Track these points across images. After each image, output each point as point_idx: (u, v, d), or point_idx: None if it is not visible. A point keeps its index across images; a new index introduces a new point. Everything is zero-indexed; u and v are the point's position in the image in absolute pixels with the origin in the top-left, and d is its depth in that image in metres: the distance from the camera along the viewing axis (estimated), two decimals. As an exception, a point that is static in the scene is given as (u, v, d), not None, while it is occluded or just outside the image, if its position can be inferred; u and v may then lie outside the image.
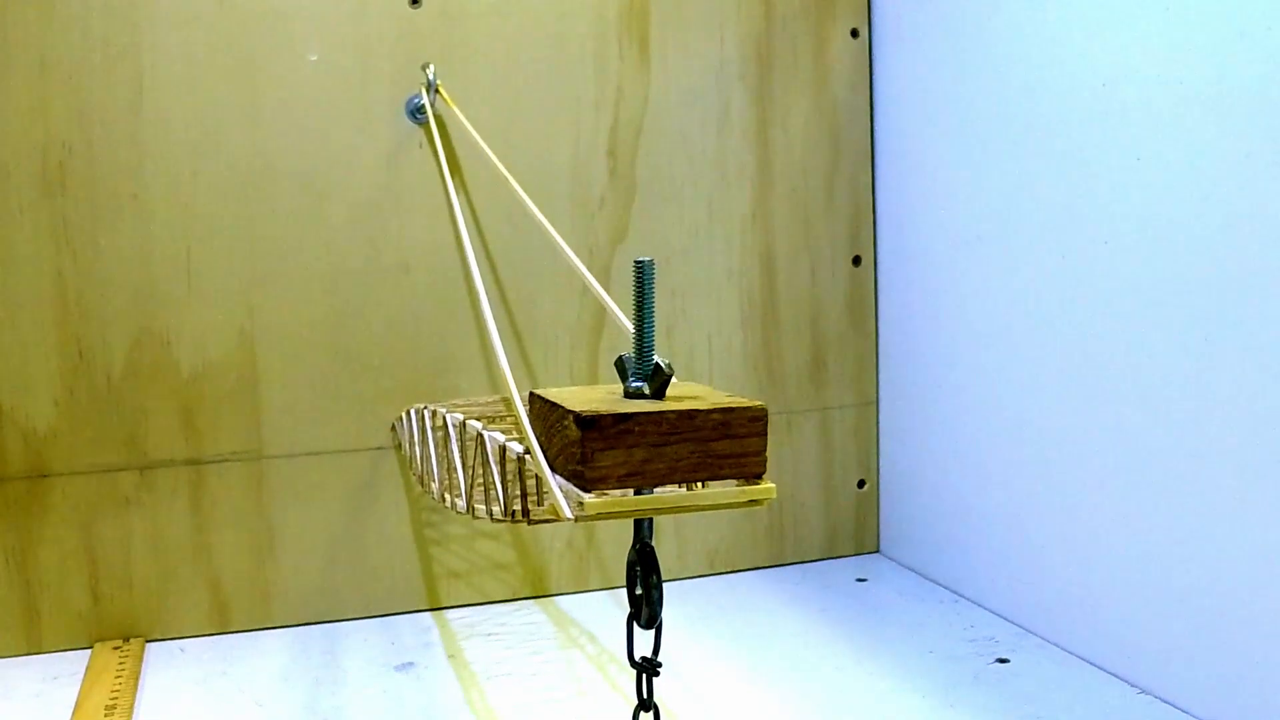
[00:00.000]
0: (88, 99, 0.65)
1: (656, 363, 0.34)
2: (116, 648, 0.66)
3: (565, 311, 0.74)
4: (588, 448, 0.31)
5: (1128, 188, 0.57)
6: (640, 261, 0.34)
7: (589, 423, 0.31)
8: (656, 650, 0.37)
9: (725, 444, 0.32)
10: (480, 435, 0.44)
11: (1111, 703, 0.57)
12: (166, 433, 0.67)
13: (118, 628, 0.67)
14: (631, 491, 0.32)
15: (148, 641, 0.68)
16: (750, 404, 0.33)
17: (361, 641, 0.68)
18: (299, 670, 0.64)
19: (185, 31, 0.66)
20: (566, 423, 0.32)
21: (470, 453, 0.47)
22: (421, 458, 0.59)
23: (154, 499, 0.67)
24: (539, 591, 0.75)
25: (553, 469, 0.34)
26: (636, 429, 0.31)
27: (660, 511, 0.33)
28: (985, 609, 0.70)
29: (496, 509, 0.42)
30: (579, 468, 0.32)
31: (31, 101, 0.64)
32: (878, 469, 0.82)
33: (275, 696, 0.60)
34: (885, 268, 0.79)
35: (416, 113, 0.70)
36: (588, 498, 0.32)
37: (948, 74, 0.71)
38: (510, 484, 0.40)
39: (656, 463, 0.32)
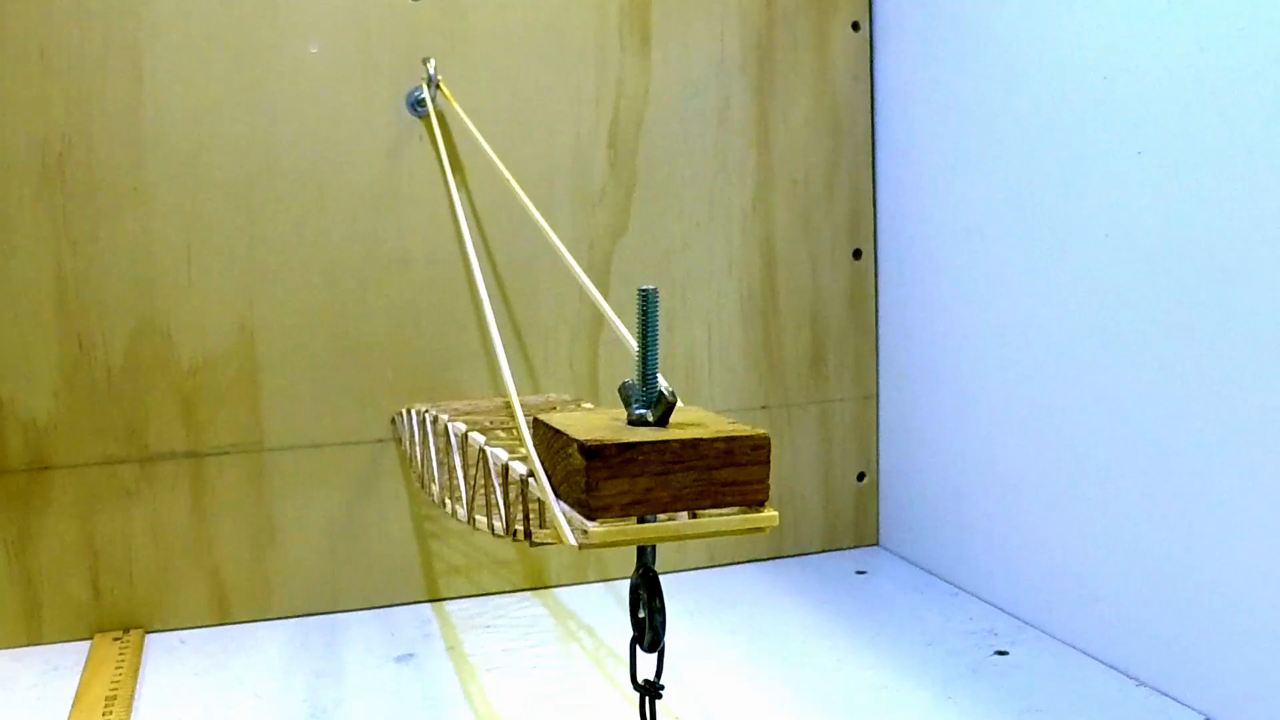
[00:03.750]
0: (87, 91, 0.64)
1: (660, 390, 0.34)
2: (116, 639, 0.66)
3: (565, 306, 0.74)
4: (592, 476, 0.31)
5: (1128, 181, 0.57)
6: (644, 290, 0.34)
7: (594, 452, 0.31)
8: (659, 674, 0.37)
9: (728, 472, 0.32)
10: (483, 451, 0.44)
11: (1110, 695, 0.57)
12: (167, 425, 0.67)
13: (118, 619, 0.67)
14: (634, 519, 0.32)
15: (148, 633, 0.68)
16: (753, 432, 0.33)
17: (361, 633, 0.68)
18: (299, 662, 0.64)
19: (185, 23, 0.66)
20: (570, 451, 0.32)
21: (472, 465, 0.47)
22: (422, 459, 0.59)
23: (154, 491, 0.67)
24: (538, 584, 0.75)
25: (556, 494, 0.34)
26: (640, 458, 0.31)
27: (664, 539, 0.33)
28: (984, 601, 0.71)
29: (498, 524, 0.42)
30: (583, 496, 0.32)
31: (31, 94, 0.64)
32: (877, 462, 0.82)
33: (275, 688, 0.60)
34: (885, 261, 0.79)
35: (417, 106, 0.70)
36: (592, 526, 0.32)
37: (949, 67, 0.71)
38: (512, 504, 0.40)
39: (660, 491, 0.32)
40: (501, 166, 0.62)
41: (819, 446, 0.80)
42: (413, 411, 0.62)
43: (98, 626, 0.67)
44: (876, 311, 0.80)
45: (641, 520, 0.32)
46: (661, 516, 0.33)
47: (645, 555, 0.36)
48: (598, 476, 0.31)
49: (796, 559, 0.80)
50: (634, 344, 0.35)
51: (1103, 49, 0.58)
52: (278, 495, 0.69)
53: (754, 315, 0.78)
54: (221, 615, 0.69)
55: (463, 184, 0.71)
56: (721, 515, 0.33)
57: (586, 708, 0.58)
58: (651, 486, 0.32)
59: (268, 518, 0.69)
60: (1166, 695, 0.57)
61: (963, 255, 0.71)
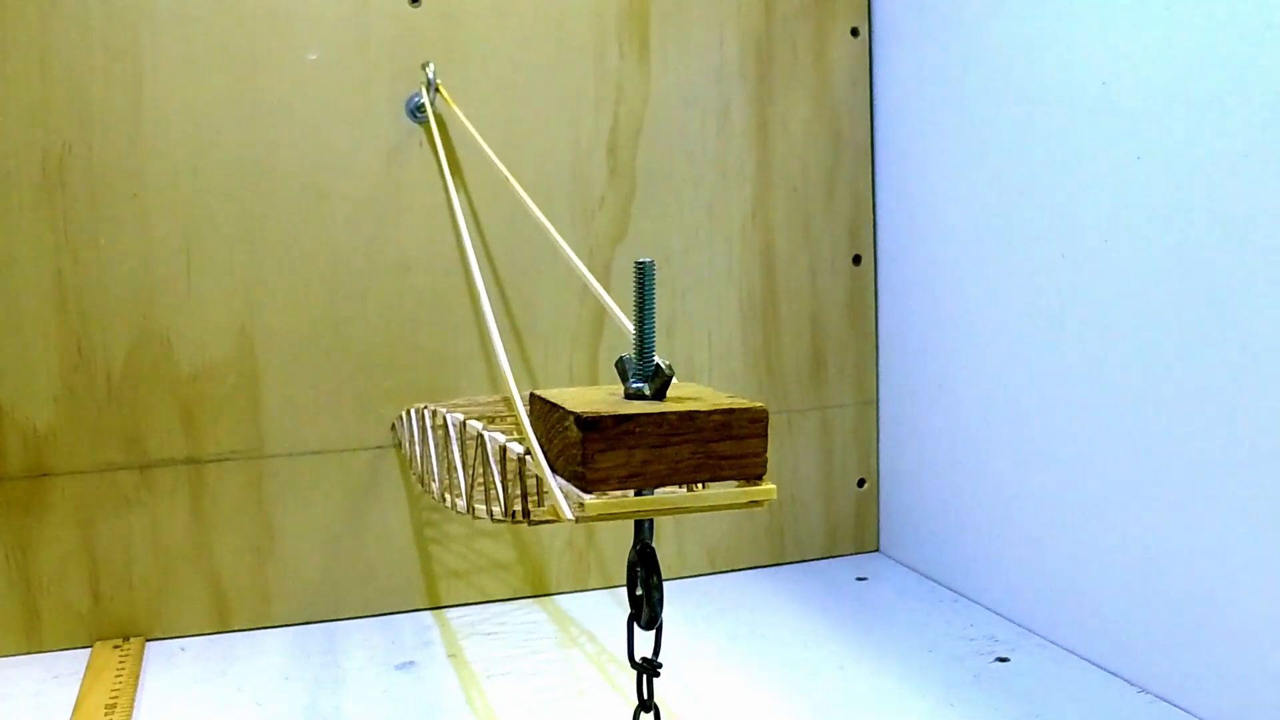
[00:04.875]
0: (88, 98, 0.65)
1: (657, 364, 0.34)
2: (116, 646, 0.66)
3: (565, 311, 0.74)
4: (588, 449, 0.31)
5: (1128, 187, 0.57)
6: (641, 263, 0.34)
7: (590, 424, 0.31)
8: (657, 651, 0.37)
9: (726, 445, 0.32)
10: (480, 435, 0.44)
11: (1112, 702, 0.57)
12: (167, 431, 0.67)
13: (118, 627, 0.67)
14: (632, 492, 0.32)
15: (148, 640, 0.68)
16: (751, 405, 0.33)
17: (361, 640, 0.68)
18: (299, 669, 0.64)
19: (185, 30, 0.66)
20: (567, 424, 0.32)
21: (470, 452, 0.47)
22: (421, 457, 0.59)
23: (154, 498, 0.67)
24: (539, 590, 0.75)
25: (553, 470, 0.34)
26: (637, 430, 0.31)
27: (661, 513, 0.33)
28: (985, 608, 0.70)
29: (497, 509, 0.42)
30: (580, 469, 0.32)
31: (32, 100, 0.64)
32: (877, 468, 0.82)
33: (275, 695, 0.60)
34: (885, 266, 0.79)
35: (417, 111, 0.70)
36: (588, 499, 0.31)
37: (948, 73, 0.71)
38: (510, 484, 0.40)
39: (657, 464, 0.32)
40: (504, 170, 0.62)
41: (819, 452, 0.80)
42: (412, 410, 0.62)
43: (98, 634, 0.67)
44: (876, 317, 0.80)
45: (638, 493, 0.32)
46: (659, 491, 0.33)
47: (642, 531, 0.36)
48: (594, 449, 0.31)
49: (797, 565, 0.80)
50: (631, 326, 0.35)
51: (1102, 54, 0.58)
52: (278, 502, 0.69)
53: (754, 321, 0.78)
54: (222, 623, 0.69)
55: (462, 189, 0.71)
56: (719, 489, 0.33)
57: (588, 713, 0.57)
58: (648, 459, 0.32)
59: (268, 524, 0.69)
60: (1169, 702, 0.56)
61: (962, 261, 0.71)
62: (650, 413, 0.32)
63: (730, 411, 0.32)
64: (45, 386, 0.65)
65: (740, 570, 0.79)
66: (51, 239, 0.65)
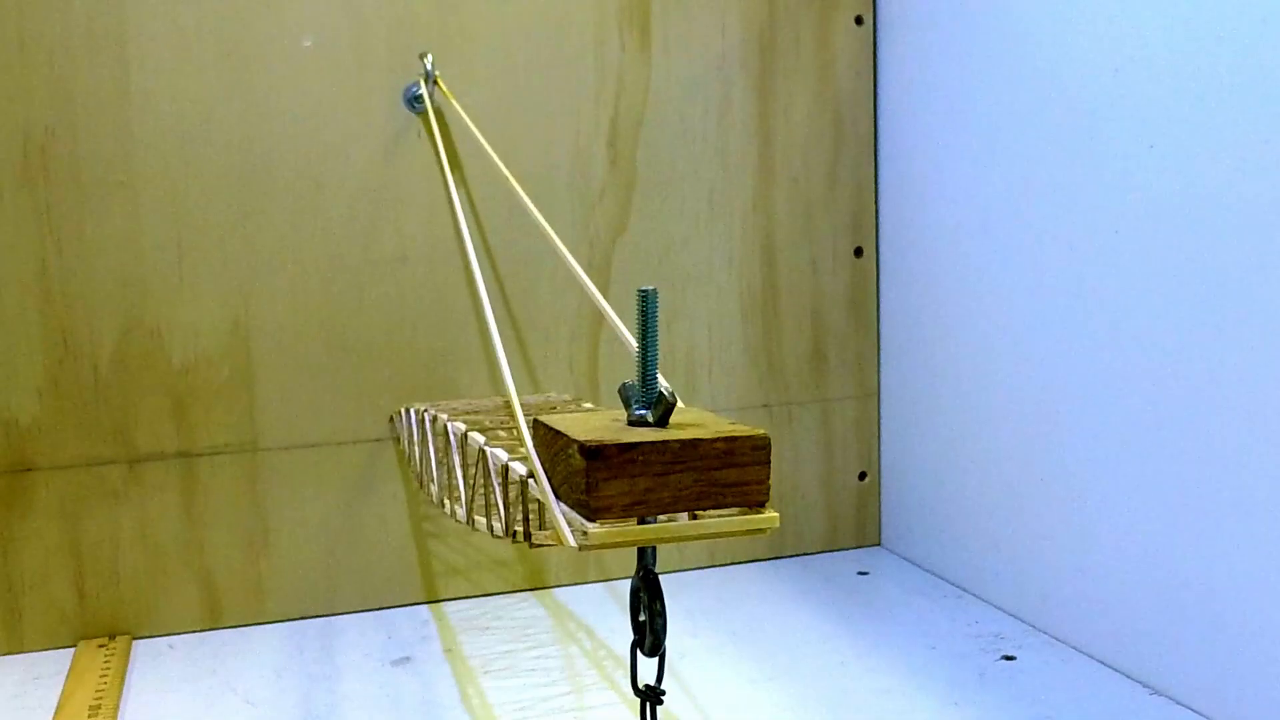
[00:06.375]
0: (70, 81, 0.63)
1: (660, 390, 0.33)
2: (102, 645, 0.65)
3: (565, 303, 0.73)
4: (592, 477, 0.31)
5: (1139, 176, 0.56)
6: (643, 291, 0.34)
7: (594, 453, 0.31)
8: (660, 679, 0.37)
9: (729, 472, 0.33)
10: (483, 451, 0.43)
11: (1123, 704, 0.56)
12: (157, 425, 0.66)
13: (103, 625, 0.66)
14: (635, 520, 0.32)
15: (135, 639, 0.67)
16: (753, 432, 0.33)
17: (357, 636, 0.67)
18: (292, 666, 0.63)
19: (173, 12, 0.64)
20: (570, 451, 0.32)
21: (471, 465, 0.46)
22: (421, 458, 0.58)
23: (143, 492, 0.66)
24: (537, 584, 0.74)
25: (556, 495, 0.34)
26: (640, 458, 0.31)
27: (664, 540, 0.33)
28: (990, 604, 0.70)
29: (497, 525, 0.42)
30: (583, 497, 0.32)
31: (11, 82, 0.62)
32: (879, 461, 0.81)
33: (267, 693, 0.59)
34: (887, 258, 0.79)
35: (414, 102, 0.68)
36: (592, 527, 0.32)
37: (953, 61, 0.70)
38: (512, 505, 0.40)
39: (660, 491, 0.32)
40: (500, 164, 0.61)
41: (820, 445, 0.79)
42: (411, 410, 0.61)
43: (82, 633, 0.66)
44: (878, 309, 0.80)
45: (642, 521, 0.32)
46: (662, 518, 0.33)
47: (645, 557, 0.36)
48: (598, 477, 0.31)
49: (798, 559, 0.79)
50: (633, 343, 0.35)
51: (1113, 40, 0.57)
52: (272, 496, 0.68)
53: (754, 313, 0.77)
54: (212, 619, 0.68)
55: (461, 181, 0.70)
56: (722, 516, 0.33)
57: (586, 710, 0.57)
58: (651, 487, 0.32)
59: (262, 519, 0.68)
60: (1183, 705, 0.56)
61: (966, 252, 0.70)
62: (653, 441, 0.32)
63: (733, 439, 0.32)
64: (29, 379, 0.64)
65: (740, 564, 0.78)
66: (35, 227, 0.63)
